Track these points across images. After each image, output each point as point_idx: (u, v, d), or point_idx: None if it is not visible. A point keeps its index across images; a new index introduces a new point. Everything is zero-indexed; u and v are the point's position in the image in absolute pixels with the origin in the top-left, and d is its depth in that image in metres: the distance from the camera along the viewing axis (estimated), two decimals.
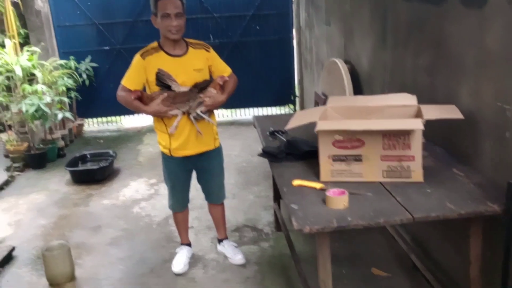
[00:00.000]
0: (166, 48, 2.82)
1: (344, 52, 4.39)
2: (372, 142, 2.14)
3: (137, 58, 2.81)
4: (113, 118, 7.22)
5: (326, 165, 2.23)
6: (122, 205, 4.25)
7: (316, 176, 2.29)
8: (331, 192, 2.00)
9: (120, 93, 2.83)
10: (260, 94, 6.87)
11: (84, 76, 6.57)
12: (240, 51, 6.72)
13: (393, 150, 2.13)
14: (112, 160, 5.03)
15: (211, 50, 2.96)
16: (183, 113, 2.81)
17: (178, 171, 3.00)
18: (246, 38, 6.70)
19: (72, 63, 6.46)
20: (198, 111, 2.82)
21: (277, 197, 3.56)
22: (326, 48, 5.09)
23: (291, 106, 7.07)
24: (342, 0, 4.29)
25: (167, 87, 2.78)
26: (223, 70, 3.00)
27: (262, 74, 6.81)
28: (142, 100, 2.79)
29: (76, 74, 6.33)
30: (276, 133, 3.05)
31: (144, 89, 2.88)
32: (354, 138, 2.16)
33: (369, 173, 2.19)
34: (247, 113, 7.03)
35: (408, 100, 2.45)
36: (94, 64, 6.65)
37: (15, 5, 5.84)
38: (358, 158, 2.18)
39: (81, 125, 6.76)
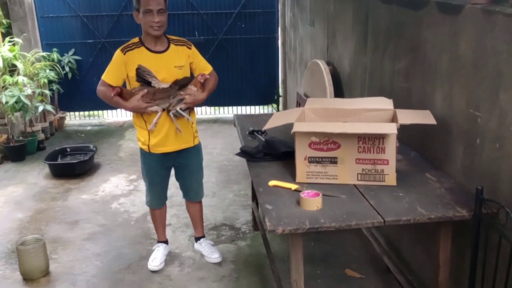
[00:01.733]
0: (147, 44, 2.82)
1: (327, 54, 4.42)
2: (348, 145, 2.17)
3: (118, 53, 2.80)
4: (95, 112, 7.16)
5: (302, 167, 2.25)
6: (101, 201, 4.23)
7: (292, 177, 2.31)
8: (305, 194, 2.03)
9: (100, 88, 2.82)
10: (244, 93, 6.87)
11: (67, 68, 6.51)
12: (225, 49, 6.72)
13: (368, 153, 2.17)
14: (92, 154, 4.99)
15: (193, 47, 2.96)
16: (163, 109, 2.81)
17: (157, 167, 3.00)
18: (231, 35, 6.70)
19: (55, 55, 6.39)
20: (178, 108, 2.82)
21: (255, 196, 3.57)
22: (310, 49, 5.12)
23: (275, 105, 7.09)
24: (327, 1, 4.32)
25: (148, 83, 2.78)
26: (204, 67, 3.00)
27: (246, 73, 6.82)
28: (122, 96, 2.78)
29: (59, 66, 6.26)
30: (255, 133, 3.06)
31: (125, 84, 2.88)
32: (330, 140, 2.18)
33: (344, 175, 2.22)
34: (230, 111, 7.03)
35: (385, 104, 2.49)
36: (77, 57, 6.59)
37: None
38: (333, 161, 2.21)
39: (62, 118, 6.69)
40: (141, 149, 2.97)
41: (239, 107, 7.03)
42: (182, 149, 2.97)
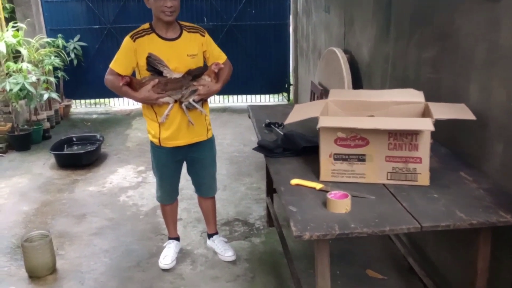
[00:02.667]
0: (158, 31, 2.64)
1: (343, 42, 4.23)
2: (377, 141, 2.00)
3: (127, 40, 2.63)
4: (102, 100, 7.01)
5: (326, 164, 2.09)
6: (109, 193, 4.09)
7: (315, 174, 2.15)
8: (333, 195, 1.87)
9: (108, 77, 2.66)
10: (254, 81, 6.69)
11: (72, 55, 6.35)
12: (235, 35, 6.53)
13: (399, 150, 2.00)
14: (99, 144, 4.85)
15: (206, 34, 2.79)
16: (175, 101, 2.65)
17: (168, 161, 2.84)
18: (241, 22, 6.51)
19: (60, 41, 6.22)
20: (191, 99, 2.65)
21: (270, 191, 3.43)
22: (324, 36, 4.92)
23: (285, 94, 6.91)
24: None
25: (159, 73, 2.61)
26: (218, 56, 2.83)
27: (257, 60, 6.63)
28: (131, 86, 2.62)
29: (64, 53, 6.10)
30: (272, 125, 2.90)
31: (134, 73, 2.71)
32: (358, 136, 2.02)
33: (372, 174, 2.05)
34: (239, 100, 6.86)
35: (415, 96, 2.32)
36: (83, 43, 6.43)
37: None
38: (361, 158, 2.05)
39: (68, 106, 6.54)
40: (152, 142, 2.82)
41: (248, 96, 6.86)
42: (195, 143, 2.81)
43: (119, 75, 2.63)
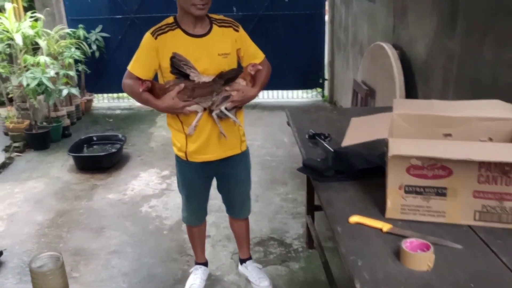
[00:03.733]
0: (184, 26, 2.23)
1: (392, 35, 3.74)
2: (463, 172, 1.55)
3: (147, 37, 2.23)
4: (124, 94, 6.65)
5: (395, 198, 1.65)
6: (130, 202, 3.73)
7: (378, 208, 1.72)
8: (409, 244, 1.44)
9: (126, 81, 2.27)
10: (286, 75, 6.23)
11: (94, 47, 6.01)
12: (265, 26, 6.07)
13: (493, 185, 1.55)
14: (121, 146, 4.50)
15: (241, 29, 2.36)
16: (204, 109, 2.24)
17: (195, 178, 2.44)
18: (273, 11, 6.04)
19: (81, 32, 5.89)
20: (223, 107, 2.24)
21: (311, 208, 3.01)
22: (367, 28, 4.43)
23: (319, 90, 6.44)
24: None
25: (185, 76, 2.20)
26: (255, 55, 2.40)
27: (289, 53, 6.17)
28: (153, 92, 2.22)
29: (85, 44, 5.75)
30: (317, 137, 2.46)
31: (156, 76, 2.32)
32: (438, 165, 1.57)
33: (455, 212, 1.61)
34: (270, 96, 6.42)
35: (504, 110, 1.85)
36: (105, 34, 6.08)
37: None
38: (441, 192, 1.60)
39: (89, 101, 6.23)
40: (177, 156, 2.42)
41: (279, 92, 6.41)
42: (226, 157, 2.40)
43: (139, 79, 2.23)
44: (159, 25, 2.25)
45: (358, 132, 1.84)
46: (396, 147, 1.57)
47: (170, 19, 2.27)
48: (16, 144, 4.79)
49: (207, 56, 2.23)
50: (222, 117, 2.28)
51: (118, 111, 6.18)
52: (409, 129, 1.87)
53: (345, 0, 5.23)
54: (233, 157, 2.43)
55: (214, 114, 2.25)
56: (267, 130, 5.19)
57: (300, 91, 6.45)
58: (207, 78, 2.20)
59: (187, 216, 2.58)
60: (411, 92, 3.34)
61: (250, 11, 6.00)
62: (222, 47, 2.27)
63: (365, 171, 1.97)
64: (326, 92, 6.33)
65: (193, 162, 2.37)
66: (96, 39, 6.01)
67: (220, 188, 2.57)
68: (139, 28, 6.00)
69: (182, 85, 2.18)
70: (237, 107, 2.33)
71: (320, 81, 6.34)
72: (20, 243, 3.19)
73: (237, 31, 2.33)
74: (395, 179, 1.63)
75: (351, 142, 1.77)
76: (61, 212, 3.59)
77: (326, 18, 6.01)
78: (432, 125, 1.87)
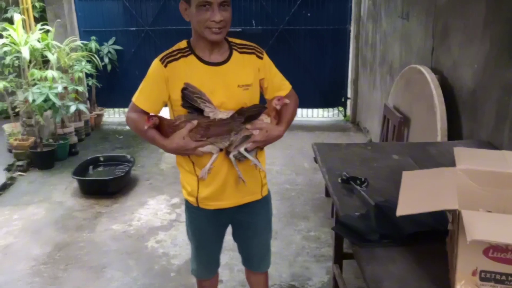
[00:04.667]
0: (199, 52, 1.89)
1: (430, 58, 3.37)
2: None
3: (155, 65, 1.89)
4: None
5: (467, 286, 1.28)
6: (135, 235, 3.39)
7: None
8: None
9: (130, 115, 1.94)
10: (306, 92, 5.86)
11: (106, 60, 5.74)
12: (286, 41, 5.74)
13: None
14: (128, 169, 4.17)
15: (265, 56, 2.01)
16: (220, 150, 1.90)
17: (207, 227, 2.09)
18: (295, 26, 5.71)
19: (93, 44, 5.61)
20: (242, 149, 1.89)
21: (339, 256, 2.63)
22: (399, 48, 4.06)
23: (341, 109, 6.07)
24: None
25: (199, 111, 1.86)
26: (280, 86, 2.06)
27: (310, 70, 5.82)
28: (161, 129, 1.88)
29: (97, 57, 5.47)
30: (352, 182, 2.10)
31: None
32: None
33: None
34: None
35: None
36: (118, 47, 5.80)
37: None
38: None
39: (100, 116, 5.94)
40: (186, 201, 2.08)
41: (299, 110, 6.04)
42: (245, 203, 2.05)
43: (145, 113, 1.90)
44: (170, 50, 1.91)
45: (416, 194, 1.47)
46: (474, 227, 1.19)
47: (183, 43, 1.93)
48: (20, 163, 4.50)
49: (225, 87, 1.89)
50: (241, 159, 1.93)
51: (128, 127, 5.87)
52: (480, 192, 1.50)
53: (373, 16, 4.87)
54: (252, 204, 2.07)
55: (231, 156, 1.90)
56: (286, 153, 4.84)
57: (321, 110, 6.09)
58: (224, 114, 1.85)
59: (197, 268, 2.22)
60: (454, 125, 2.96)
61: (270, 25, 5.68)
62: (243, 77, 1.92)
63: (418, 234, 1.61)
64: (349, 112, 5.96)
65: (205, 209, 2.02)
66: (109, 52, 5.73)
67: (236, 237, 2.21)
68: (153, 41, 5.72)
69: (195, 122, 1.83)
70: (259, 148, 1.98)
71: (343, 99, 5.98)
72: (11, 283, 2.87)
73: (260, 58, 1.98)
74: (468, 262, 1.26)
75: (409, 211, 1.40)
76: (60, 245, 3.27)
77: (351, 34, 5.64)
78: (506, 184, 1.50)
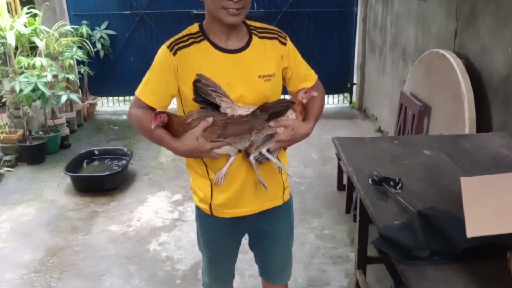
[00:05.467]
0: (213, 37, 1.61)
1: (453, 42, 3.10)
2: None
3: (163, 52, 1.61)
4: (131, 97, 6.05)
5: None
6: (135, 236, 3.14)
7: None
8: None
9: (133, 111, 1.66)
10: None
11: (99, 46, 5.40)
12: (290, 24, 5.44)
13: None
14: (126, 164, 3.90)
15: (289, 41, 1.74)
16: (239, 151, 1.64)
17: (223, 238, 1.84)
18: (298, 8, 5.40)
19: (85, 29, 5.28)
20: (264, 150, 1.63)
21: (363, 260, 2.39)
22: (414, 31, 3.79)
23: (347, 95, 5.81)
24: None
25: (214, 107, 1.59)
26: (306, 76, 1.79)
27: (315, 54, 5.54)
28: (170, 127, 1.60)
29: (89, 43, 5.15)
30: (384, 185, 1.85)
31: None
32: None
33: None
34: None
35: None
36: (111, 32, 5.46)
37: None
38: None
39: (93, 105, 5.63)
40: (198, 209, 1.82)
41: None
42: (265, 210, 1.79)
43: (151, 108, 1.63)
44: (180, 35, 1.63)
45: (484, 210, 1.22)
46: None
47: (194, 27, 1.65)
48: (7, 158, 4.21)
49: (244, 78, 1.62)
50: (262, 161, 1.67)
51: (124, 117, 5.57)
52: None
53: None
54: (272, 210, 1.82)
55: (252, 158, 1.64)
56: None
57: (326, 96, 5.80)
58: (244, 110, 1.58)
59: (209, 282, 1.97)
60: (482, 115, 2.72)
61: (272, 7, 5.37)
62: (265, 66, 1.65)
63: (472, 249, 1.37)
64: (355, 98, 5.70)
65: (220, 217, 1.77)
66: (101, 37, 5.40)
67: (253, 246, 1.96)
68: (148, 25, 5.38)
69: (211, 119, 1.56)
70: (283, 148, 1.72)
71: (348, 85, 5.71)
72: None
73: (284, 44, 1.71)
74: None
75: (482, 232, 1.16)
76: (53, 250, 3.00)
77: (358, 16, 5.35)
78: None
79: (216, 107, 1.59)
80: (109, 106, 5.93)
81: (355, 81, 5.63)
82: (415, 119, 3.19)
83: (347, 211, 3.30)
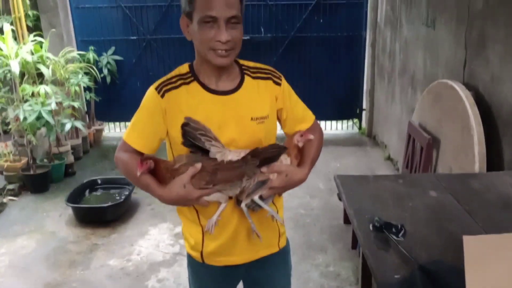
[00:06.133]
0: (203, 78, 1.55)
1: (462, 71, 3.00)
2: None
3: (150, 94, 1.55)
4: None
5: None
6: (134, 272, 3.05)
7: None
8: None
9: (120, 155, 1.58)
10: (319, 103, 5.48)
11: (105, 71, 5.38)
12: (297, 49, 5.38)
13: None
14: (129, 192, 3.82)
15: (283, 81, 1.66)
16: (230, 197, 1.55)
17: (215, 287, 1.74)
18: (306, 33, 5.34)
19: (91, 55, 5.28)
20: (256, 197, 1.54)
21: None
22: (423, 58, 3.70)
23: (356, 121, 5.70)
24: None
25: (204, 151, 1.51)
26: (302, 117, 1.71)
27: (322, 79, 5.47)
28: (157, 173, 1.52)
29: (95, 69, 5.14)
30: (386, 231, 1.75)
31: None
32: None
33: None
34: None
35: None
36: (117, 57, 5.45)
37: None
38: None
39: (99, 131, 5.60)
40: (189, 256, 1.73)
41: None
42: (259, 258, 1.70)
43: (139, 152, 1.55)
44: (168, 76, 1.57)
45: (488, 277, 1.11)
46: None
47: (184, 68, 1.59)
48: (11, 186, 4.17)
49: (235, 121, 1.54)
50: (255, 209, 1.58)
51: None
52: None
53: (392, 22, 4.51)
54: (268, 258, 1.72)
55: (243, 205, 1.55)
56: None
57: (334, 122, 5.71)
58: (235, 155, 1.50)
59: None
60: (493, 149, 2.60)
61: (280, 32, 5.32)
62: (258, 108, 1.58)
63: None
64: (364, 124, 5.59)
65: (212, 266, 1.67)
66: (108, 63, 5.39)
67: None
68: (155, 50, 5.38)
69: (199, 165, 1.48)
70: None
71: (358, 111, 5.61)
72: None
73: (278, 84, 1.63)
74: None
75: None
76: (50, 286, 2.92)
77: (367, 41, 5.28)
78: None
79: (206, 152, 1.51)
80: (115, 131, 5.90)
81: (364, 106, 5.53)
82: (424, 152, 3.08)
83: (353, 246, 3.18)
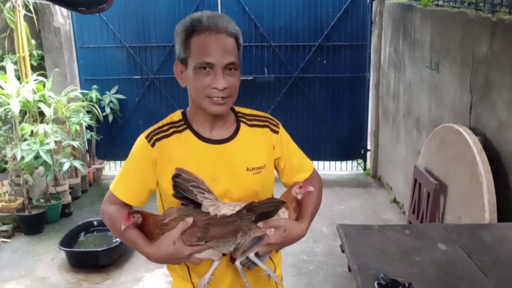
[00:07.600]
0: (197, 126, 1.47)
1: (469, 116, 2.92)
2: None
3: (140, 143, 1.48)
4: None
5: None
6: None
7: None
8: None
9: (106, 207, 1.50)
10: (323, 144, 5.45)
11: (108, 110, 5.35)
12: (301, 89, 5.34)
13: None
14: None
15: (281, 129, 1.58)
16: (223, 254, 1.44)
17: None
18: (309, 73, 5.31)
19: (94, 94, 5.25)
20: (252, 254, 1.43)
21: None
22: (428, 101, 3.63)
23: (360, 161, 5.60)
24: (475, 39, 2.84)
25: (195, 205, 1.41)
26: (300, 167, 1.62)
27: (326, 120, 5.40)
28: (145, 228, 1.42)
29: (98, 108, 5.10)
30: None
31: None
32: None
33: None
34: None
35: None
36: (120, 96, 5.43)
37: (30, 20, 4.72)
38: None
39: (99, 170, 5.51)
40: None
41: (315, 162, 5.59)
42: None
43: (126, 205, 1.46)
44: (160, 124, 1.49)
45: None
46: None
47: (176, 115, 1.51)
48: (4, 228, 4.05)
49: (230, 172, 1.45)
50: (250, 267, 1.46)
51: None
52: None
53: (396, 64, 4.47)
54: None
55: (238, 263, 1.44)
56: None
57: (338, 162, 5.60)
58: (229, 209, 1.40)
59: None
60: (502, 197, 2.49)
61: (283, 73, 5.29)
62: (254, 158, 1.49)
63: None
64: (369, 165, 5.49)
65: None
66: (111, 101, 5.36)
67: None
68: (158, 89, 5.36)
69: (190, 219, 1.38)
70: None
71: (362, 152, 5.52)
72: None
73: (276, 132, 1.55)
74: None
75: None
76: None
77: (371, 82, 5.24)
78: None
79: (198, 205, 1.41)
80: (116, 170, 5.81)
81: (369, 147, 5.44)
82: (431, 198, 2.97)
83: None
